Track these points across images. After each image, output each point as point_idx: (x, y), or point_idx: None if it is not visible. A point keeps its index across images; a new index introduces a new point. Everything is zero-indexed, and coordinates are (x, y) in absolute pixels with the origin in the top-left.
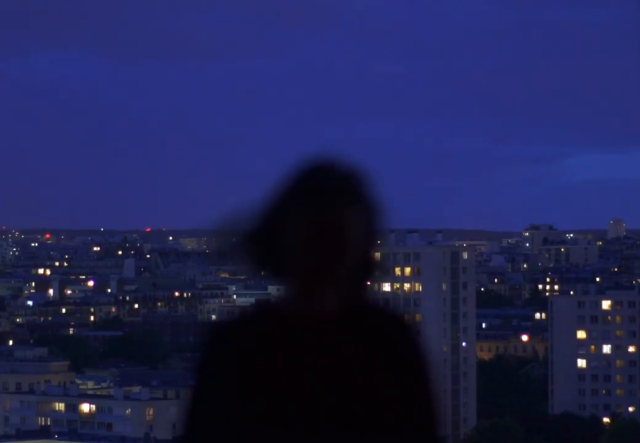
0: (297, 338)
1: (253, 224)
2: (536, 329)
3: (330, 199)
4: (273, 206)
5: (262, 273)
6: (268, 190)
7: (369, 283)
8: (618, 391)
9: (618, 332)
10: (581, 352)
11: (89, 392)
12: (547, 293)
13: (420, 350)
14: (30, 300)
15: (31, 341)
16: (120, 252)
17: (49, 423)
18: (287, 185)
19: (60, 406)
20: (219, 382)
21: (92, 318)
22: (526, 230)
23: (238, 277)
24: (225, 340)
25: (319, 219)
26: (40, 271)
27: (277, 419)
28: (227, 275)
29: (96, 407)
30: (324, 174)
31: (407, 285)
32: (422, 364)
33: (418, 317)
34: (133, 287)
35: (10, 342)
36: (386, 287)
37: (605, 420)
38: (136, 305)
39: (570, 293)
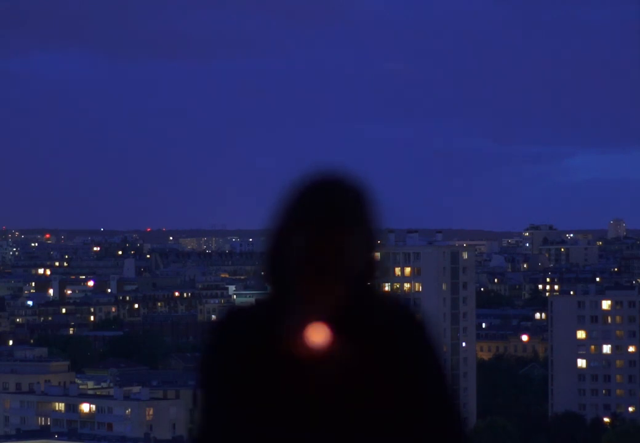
0: (300, 337)
1: (263, 241)
2: (536, 329)
3: (330, 220)
4: (276, 225)
5: (266, 282)
6: (273, 206)
7: (373, 283)
8: (618, 391)
9: (618, 332)
10: (581, 352)
11: (89, 392)
12: (547, 293)
13: (429, 343)
14: (30, 300)
15: (31, 341)
16: (120, 252)
17: (49, 423)
18: (288, 204)
19: (60, 406)
20: (222, 382)
21: (92, 318)
22: (526, 230)
23: (238, 277)
24: (227, 339)
25: (318, 240)
26: (40, 271)
27: (283, 421)
28: (227, 275)
29: (96, 407)
30: (323, 194)
31: (407, 285)
32: (433, 358)
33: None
34: (133, 287)
35: (10, 342)
36: (386, 287)
37: (606, 420)
38: (136, 305)
39: (570, 293)
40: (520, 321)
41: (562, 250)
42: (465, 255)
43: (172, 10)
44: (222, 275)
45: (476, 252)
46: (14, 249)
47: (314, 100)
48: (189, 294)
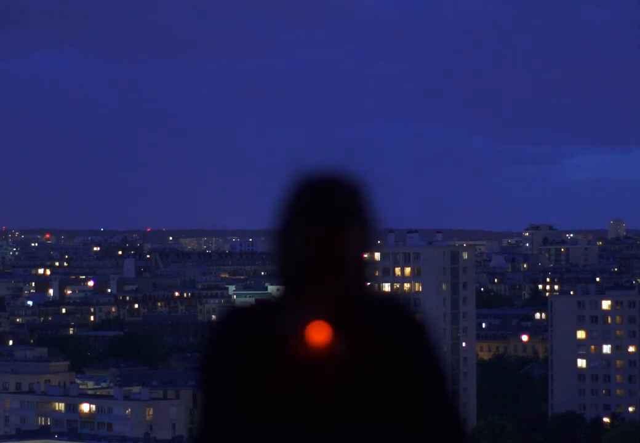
0: (300, 337)
1: (263, 242)
2: (536, 329)
3: (328, 220)
4: (275, 225)
5: (278, 277)
6: (272, 206)
7: (372, 283)
8: (618, 391)
9: (618, 332)
10: (581, 352)
11: (89, 392)
12: (547, 294)
13: (428, 342)
14: (30, 300)
15: (31, 341)
16: (120, 252)
17: (49, 423)
18: (286, 204)
19: (60, 406)
20: (222, 381)
21: (92, 318)
22: (526, 230)
23: (238, 277)
24: (228, 339)
25: (316, 240)
26: (40, 271)
27: (283, 420)
28: (227, 275)
29: (96, 407)
30: (321, 194)
31: (407, 285)
32: (432, 357)
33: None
34: (133, 287)
35: (10, 342)
36: (386, 287)
37: (606, 420)
38: (136, 305)
39: (570, 293)
40: (520, 321)
41: (562, 250)
42: (465, 255)
43: (172, 10)
44: (222, 275)
45: (476, 252)
46: (14, 249)
47: (314, 100)
48: (189, 294)
